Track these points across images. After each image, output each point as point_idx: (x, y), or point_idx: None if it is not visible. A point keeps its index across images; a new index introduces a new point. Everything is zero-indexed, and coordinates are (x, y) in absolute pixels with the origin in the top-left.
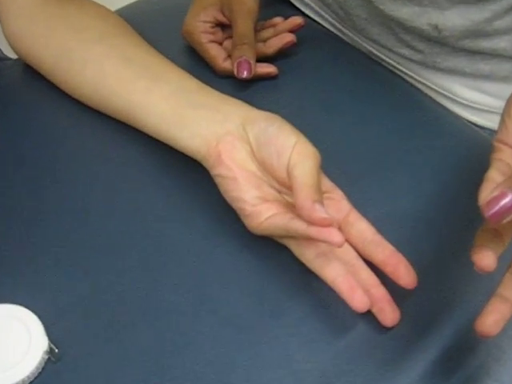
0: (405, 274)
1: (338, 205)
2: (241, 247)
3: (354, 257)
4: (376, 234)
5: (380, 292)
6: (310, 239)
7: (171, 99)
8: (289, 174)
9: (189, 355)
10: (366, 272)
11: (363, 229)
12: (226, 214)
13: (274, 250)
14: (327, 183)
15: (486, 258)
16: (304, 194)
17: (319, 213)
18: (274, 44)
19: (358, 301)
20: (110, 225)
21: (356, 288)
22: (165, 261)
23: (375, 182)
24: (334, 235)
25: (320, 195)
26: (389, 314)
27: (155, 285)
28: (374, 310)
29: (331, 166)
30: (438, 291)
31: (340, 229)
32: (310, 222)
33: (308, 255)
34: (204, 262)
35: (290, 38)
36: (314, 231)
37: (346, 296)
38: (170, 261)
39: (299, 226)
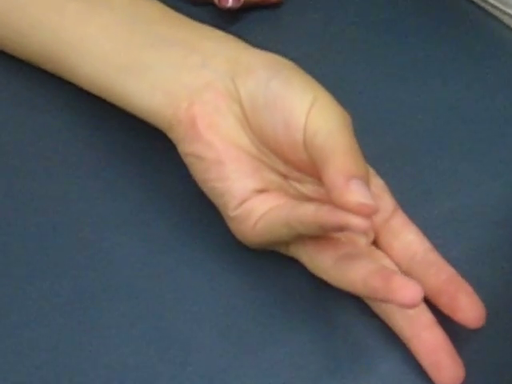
0: (467, 305)
1: (377, 202)
2: (223, 267)
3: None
4: (430, 251)
5: (436, 336)
6: (322, 236)
7: (117, 32)
8: (308, 146)
9: None
10: None
11: (411, 241)
12: (203, 216)
13: (277, 269)
14: None
15: None
16: (335, 166)
17: (357, 195)
18: None
19: (400, 288)
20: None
21: (394, 274)
22: (105, 285)
23: (433, 169)
24: (353, 216)
25: (361, 167)
26: (448, 370)
27: (91, 318)
28: (426, 363)
29: (365, 142)
30: None
31: (376, 239)
32: (344, 209)
33: (325, 263)
34: (165, 288)
35: None
36: (323, 213)
37: (383, 291)
38: (113, 284)
39: (304, 211)
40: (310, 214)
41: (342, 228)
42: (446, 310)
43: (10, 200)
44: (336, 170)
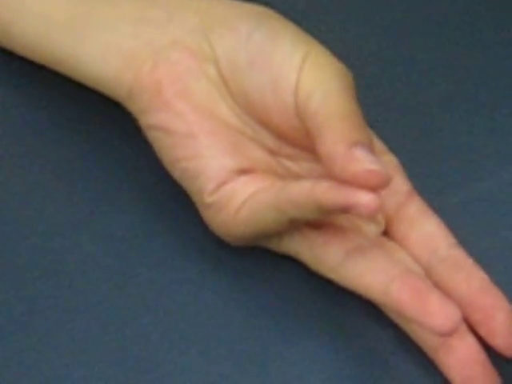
0: (505, 329)
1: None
2: (202, 270)
3: (417, 273)
4: (455, 247)
5: (467, 346)
6: (326, 225)
7: None
8: (301, 110)
9: None
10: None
11: (431, 233)
12: (174, 208)
13: (268, 270)
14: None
15: None
16: (333, 134)
17: (364, 162)
18: None
19: (438, 313)
20: None
21: (428, 291)
22: (70, 291)
23: (456, 148)
24: (361, 192)
25: (364, 133)
26: None
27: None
28: (456, 379)
29: (377, 112)
30: None
31: (388, 229)
32: (349, 183)
33: (332, 258)
34: (132, 296)
35: None
36: (323, 189)
37: (414, 310)
38: (75, 291)
39: (299, 189)
40: (305, 192)
41: (346, 208)
42: (481, 330)
43: None
44: (335, 138)
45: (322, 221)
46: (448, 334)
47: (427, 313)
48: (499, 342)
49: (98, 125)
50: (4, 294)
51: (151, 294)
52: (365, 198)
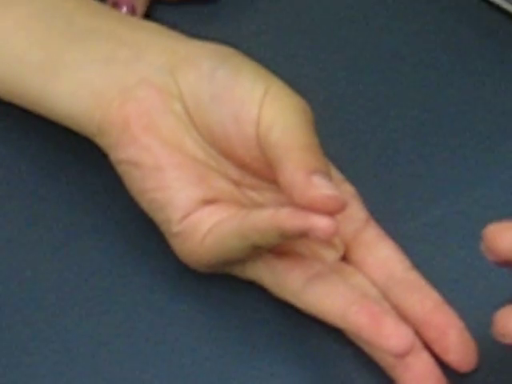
0: (458, 346)
1: (347, 211)
2: (171, 296)
3: (375, 297)
4: (409, 270)
5: (423, 362)
6: (284, 248)
7: (34, 25)
8: (262, 141)
9: None
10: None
11: (387, 257)
12: (141, 236)
13: (233, 295)
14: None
15: None
16: (292, 163)
17: (321, 188)
18: None
19: (392, 335)
20: None
21: (383, 315)
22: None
23: (411, 175)
24: (318, 217)
25: (321, 162)
26: None
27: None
28: None
29: (332, 143)
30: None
31: (347, 254)
32: (307, 208)
33: (293, 284)
34: (111, 325)
35: None
36: (283, 215)
37: (370, 332)
38: (42, 318)
39: (261, 216)
40: (267, 218)
41: (305, 232)
42: (435, 347)
43: None
44: (294, 167)
45: (283, 248)
46: (402, 355)
47: (383, 335)
48: (453, 358)
49: (71, 157)
50: None
51: (124, 318)
52: (322, 222)
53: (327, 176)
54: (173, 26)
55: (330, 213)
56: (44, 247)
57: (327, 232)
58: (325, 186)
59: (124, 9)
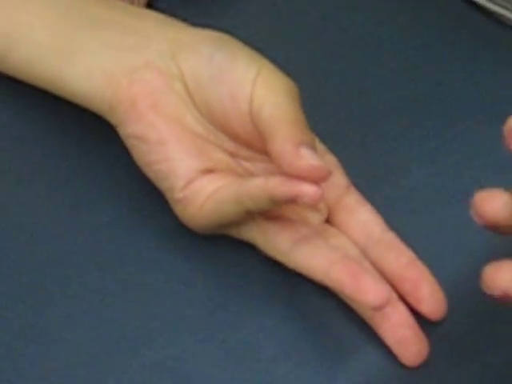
0: (430, 298)
1: (330, 179)
2: (173, 255)
3: (356, 255)
4: (386, 231)
5: (399, 312)
6: (275, 212)
7: (51, 16)
8: (255, 117)
9: None
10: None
11: (366, 220)
12: (148, 203)
13: (229, 254)
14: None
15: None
16: (282, 136)
17: (308, 159)
18: None
19: (369, 291)
20: None
21: (362, 273)
22: (52, 279)
23: (387, 147)
24: (305, 184)
25: (308, 135)
26: (413, 346)
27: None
28: (390, 341)
29: (317, 118)
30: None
31: (330, 217)
32: (295, 177)
33: (282, 244)
34: (112, 279)
35: None
36: (274, 183)
37: (351, 288)
38: (58, 278)
39: (254, 184)
40: (259, 186)
41: (293, 198)
42: (409, 299)
43: None
44: (284, 139)
45: (274, 213)
46: (379, 308)
47: (361, 291)
48: (425, 308)
49: (84, 133)
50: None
51: (132, 274)
52: (309, 189)
53: (313, 148)
54: (173, 15)
55: (316, 181)
56: (59, 209)
57: (313, 198)
58: (311, 157)
59: None
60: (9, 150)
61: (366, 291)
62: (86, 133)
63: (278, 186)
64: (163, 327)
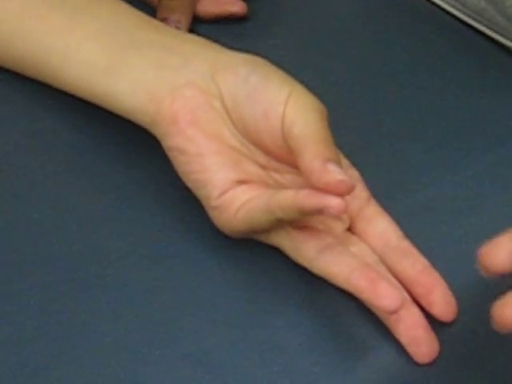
0: (442, 301)
1: (353, 192)
2: (207, 256)
3: (374, 260)
4: (403, 239)
5: (413, 314)
6: (302, 222)
7: (100, 38)
8: (286, 134)
9: None
10: (393, 283)
11: (384, 228)
12: (187, 209)
13: (259, 257)
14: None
15: None
16: (311, 153)
17: (335, 174)
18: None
19: (385, 296)
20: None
21: (379, 279)
22: (96, 277)
23: (406, 161)
24: (331, 197)
25: (334, 153)
26: (426, 345)
27: (83, 307)
28: (404, 340)
29: (341, 135)
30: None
31: (351, 226)
32: (323, 190)
33: (308, 252)
34: (153, 278)
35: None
36: (303, 196)
37: (368, 293)
38: (103, 276)
39: (284, 196)
40: (289, 197)
41: (320, 210)
42: (422, 302)
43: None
44: (313, 156)
45: (301, 222)
46: (394, 312)
47: (378, 296)
48: (437, 310)
49: (134, 141)
50: (48, 277)
51: (169, 273)
52: (334, 202)
53: (338, 164)
54: (211, 39)
55: (341, 194)
56: (101, 215)
57: (339, 210)
58: (337, 172)
59: (172, 24)
60: (60, 157)
61: (382, 296)
62: (134, 143)
63: (307, 199)
64: (193, 322)
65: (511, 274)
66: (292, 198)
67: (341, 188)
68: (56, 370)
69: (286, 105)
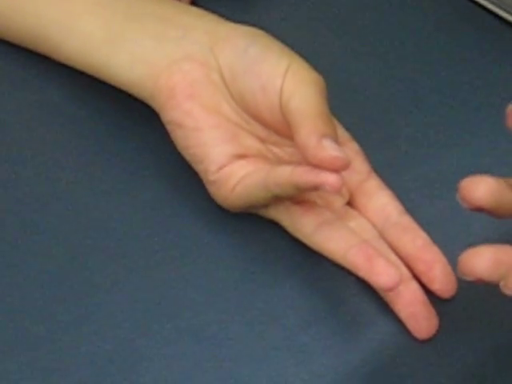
0: (442, 278)
1: (352, 165)
2: (206, 230)
3: (373, 236)
4: (403, 214)
5: (412, 290)
6: (300, 197)
7: (99, 10)
8: (284, 108)
9: (137, 375)
10: (392, 259)
11: (385, 203)
12: (184, 181)
13: (257, 231)
14: (338, 131)
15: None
16: (307, 129)
17: (329, 150)
18: None
19: (382, 273)
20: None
21: (376, 257)
22: (98, 247)
23: (407, 136)
24: (327, 174)
25: (331, 128)
26: (425, 320)
27: (85, 276)
28: (403, 316)
29: (343, 110)
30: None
31: (351, 201)
32: (318, 166)
33: (306, 227)
34: (153, 250)
35: None
36: (299, 173)
37: (365, 271)
38: (104, 247)
39: (281, 172)
40: (286, 174)
41: (316, 186)
42: (423, 278)
43: (6, 174)
44: (308, 132)
45: (301, 197)
46: (390, 290)
47: (375, 273)
48: (437, 287)
49: (133, 114)
50: (52, 249)
51: (169, 246)
52: (330, 178)
53: (334, 139)
54: (213, 11)
55: (336, 170)
56: (103, 188)
57: (334, 186)
58: (332, 148)
59: None
60: (61, 129)
61: (378, 274)
62: (133, 116)
63: (303, 175)
64: (191, 296)
65: (489, 211)
66: (288, 174)
67: (336, 164)
68: (56, 341)
69: (284, 78)
